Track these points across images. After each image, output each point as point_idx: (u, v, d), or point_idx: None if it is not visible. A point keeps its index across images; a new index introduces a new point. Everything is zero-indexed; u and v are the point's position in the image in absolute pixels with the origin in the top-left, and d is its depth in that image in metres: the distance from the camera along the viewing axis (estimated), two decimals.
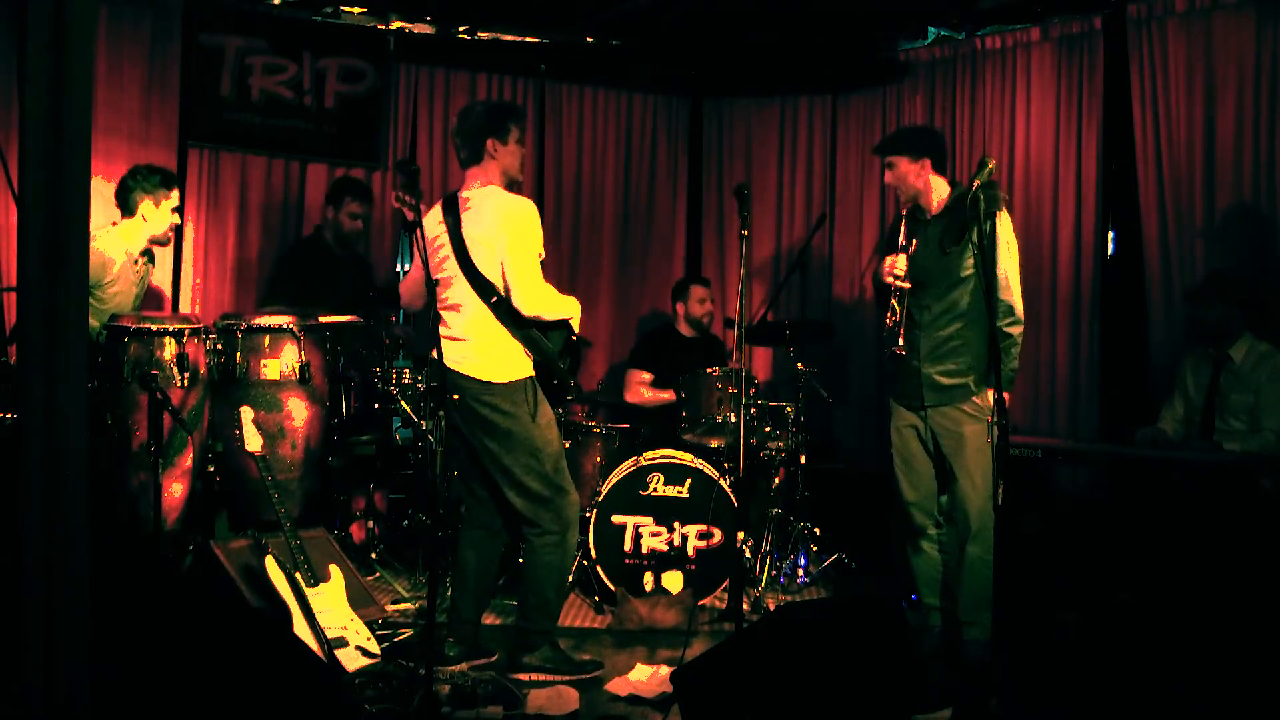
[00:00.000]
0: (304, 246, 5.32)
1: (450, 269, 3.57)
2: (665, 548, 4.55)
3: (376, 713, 3.13)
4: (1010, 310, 3.79)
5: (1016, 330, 3.81)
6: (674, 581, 4.49)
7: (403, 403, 4.61)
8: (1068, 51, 5.30)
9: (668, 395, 5.19)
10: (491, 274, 3.52)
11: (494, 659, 3.70)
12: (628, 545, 4.53)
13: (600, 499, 4.54)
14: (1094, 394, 5.23)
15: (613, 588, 4.47)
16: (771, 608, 4.41)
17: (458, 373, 3.53)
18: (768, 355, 6.41)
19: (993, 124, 5.58)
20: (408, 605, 4.34)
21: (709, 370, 4.71)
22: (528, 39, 5.97)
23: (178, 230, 4.57)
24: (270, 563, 3.56)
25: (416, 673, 3.35)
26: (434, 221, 3.63)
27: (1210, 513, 3.68)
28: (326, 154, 5.74)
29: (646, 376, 5.44)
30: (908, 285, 3.84)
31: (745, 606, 4.13)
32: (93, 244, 3.92)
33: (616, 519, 4.54)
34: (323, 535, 4.16)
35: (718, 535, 4.56)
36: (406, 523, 5.09)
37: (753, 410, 4.68)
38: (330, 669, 3.34)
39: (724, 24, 5.72)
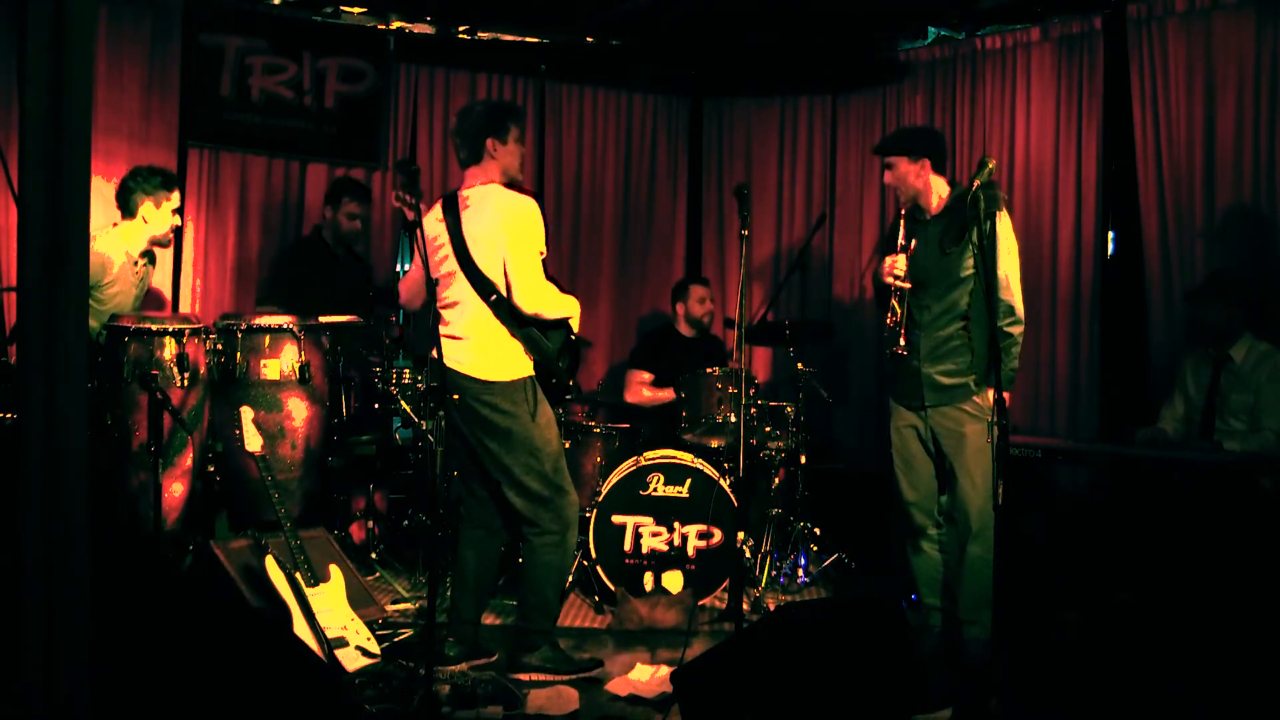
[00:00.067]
0: (301, 247, 5.32)
1: (450, 267, 3.57)
2: (665, 548, 4.55)
3: (376, 713, 3.13)
4: (1011, 310, 3.79)
5: (1017, 330, 3.81)
6: (674, 581, 4.49)
7: (403, 403, 4.62)
8: (1068, 51, 5.30)
9: (667, 394, 5.19)
10: (491, 272, 3.52)
11: (494, 659, 3.70)
12: (628, 545, 4.53)
13: (600, 499, 4.54)
14: (1094, 394, 5.23)
15: (613, 588, 4.47)
16: (771, 608, 4.41)
17: (457, 372, 3.53)
18: (768, 355, 6.41)
19: (993, 124, 5.58)
20: (408, 605, 4.34)
21: (709, 370, 4.71)
22: (528, 39, 5.97)
23: (178, 231, 4.56)
24: (270, 563, 3.56)
25: (416, 673, 3.35)
26: (434, 220, 3.63)
27: (1210, 513, 3.68)
28: (326, 154, 5.74)
29: (647, 377, 5.44)
30: (908, 285, 3.84)
31: (745, 606, 4.13)
32: (92, 245, 3.92)
33: (616, 519, 4.54)
34: (323, 535, 4.16)
35: (718, 535, 4.56)
36: (406, 523, 5.09)
37: (753, 410, 4.68)
38: (330, 669, 3.34)
39: (724, 24, 5.72)
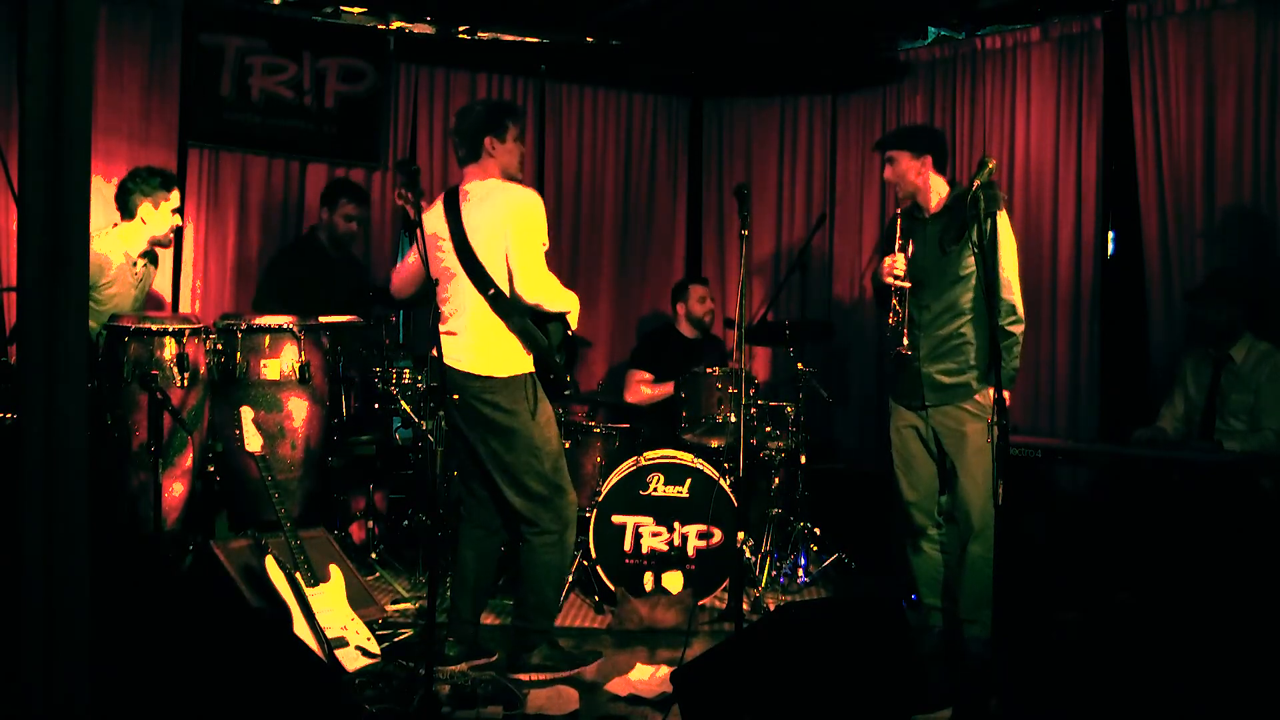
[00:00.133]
0: (298, 248, 5.30)
1: (450, 263, 3.57)
2: (665, 548, 4.55)
3: (376, 713, 3.13)
4: (1012, 309, 3.79)
5: (1018, 329, 3.81)
6: (674, 581, 4.49)
7: (403, 403, 4.61)
8: (1068, 51, 5.30)
9: (667, 389, 5.19)
10: (490, 264, 3.52)
11: (494, 659, 3.70)
12: (628, 545, 4.53)
13: (600, 499, 4.54)
14: (1094, 394, 5.23)
15: (613, 588, 4.47)
16: (771, 608, 4.41)
17: (457, 370, 3.53)
18: (768, 355, 6.41)
19: (993, 124, 5.58)
20: (408, 605, 4.34)
21: (709, 370, 4.71)
22: (528, 39, 5.97)
23: (179, 231, 4.56)
24: (270, 563, 3.56)
25: (416, 673, 3.35)
26: (435, 216, 3.63)
27: (1210, 513, 3.68)
28: (326, 154, 5.74)
29: (647, 377, 5.44)
30: (908, 285, 3.84)
31: (745, 606, 4.13)
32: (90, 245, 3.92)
33: (616, 519, 4.54)
34: (323, 535, 4.16)
35: (718, 535, 4.56)
36: (406, 523, 5.09)
37: (753, 410, 4.68)
38: (330, 669, 3.34)
39: (724, 24, 5.72)
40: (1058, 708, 3.18)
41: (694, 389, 4.71)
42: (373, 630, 3.68)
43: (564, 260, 6.24)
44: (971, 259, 3.78)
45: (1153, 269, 4.99)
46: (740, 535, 3.99)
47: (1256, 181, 4.68)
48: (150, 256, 4.40)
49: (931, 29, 5.74)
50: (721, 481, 4.56)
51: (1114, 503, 4.21)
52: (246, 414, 3.89)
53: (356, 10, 5.61)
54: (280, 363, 4.20)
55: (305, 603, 3.53)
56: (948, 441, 3.85)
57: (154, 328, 3.93)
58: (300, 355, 4.22)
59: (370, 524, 4.95)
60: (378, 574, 4.71)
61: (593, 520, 4.50)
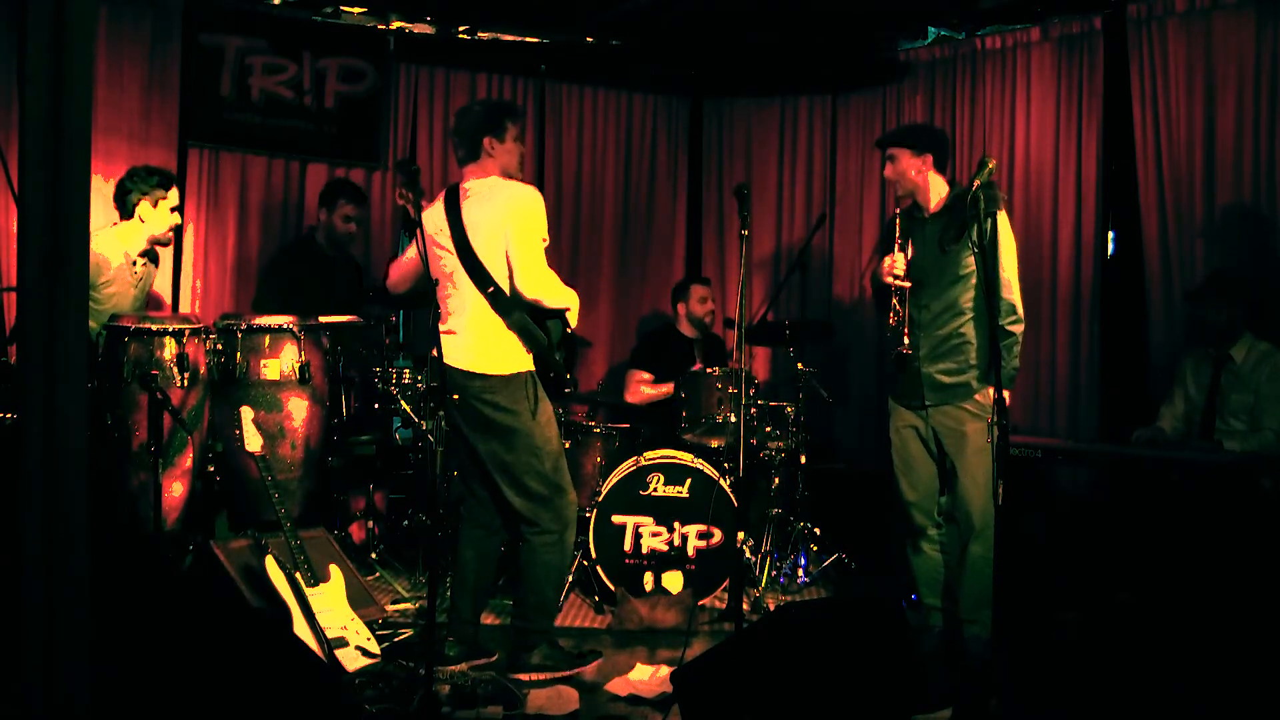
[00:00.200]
0: (295, 249, 5.29)
1: (449, 262, 3.57)
2: (665, 548, 4.55)
3: (376, 713, 3.13)
4: (1012, 309, 3.79)
5: (1018, 329, 3.81)
6: (674, 581, 4.49)
7: (403, 403, 4.62)
8: (1068, 51, 5.30)
9: (668, 388, 5.19)
10: (490, 261, 3.52)
11: (494, 659, 3.70)
12: (628, 545, 4.53)
13: (600, 499, 4.54)
14: (1094, 394, 5.23)
15: (613, 588, 4.47)
16: (771, 608, 4.41)
17: (457, 369, 3.53)
18: (768, 355, 6.41)
19: (993, 124, 5.58)
20: (408, 605, 4.34)
21: (709, 370, 4.71)
22: (528, 39, 5.97)
23: (178, 230, 4.56)
24: (270, 563, 3.56)
25: (416, 673, 3.35)
26: (435, 213, 3.63)
27: (1210, 513, 3.68)
28: (326, 154, 5.74)
29: (647, 377, 5.44)
30: (907, 284, 3.84)
31: (745, 606, 4.13)
32: None
33: (616, 519, 4.54)
34: (323, 535, 4.16)
35: (718, 535, 4.56)
36: (406, 523, 5.09)
37: (753, 410, 4.68)
38: (330, 669, 3.34)
39: (724, 24, 5.72)
40: (1058, 708, 3.18)
41: (694, 389, 4.71)
42: (373, 630, 3.68)
43: (564, 260, 6.24)
44: (971, 259, 3.78)
45: (1153, 269, 4.99)
46: (740, 535, 3.99)
47: (1256, 181, 4.68)
48: (150, 255, 4.40)
49: (931, 29, 5.74)
50: (721, 481, 4.56)
51: (1114, 503, 4.21)
52: (246, 414, 3.89)
53: (356, 10, 5.61)
54: (280, 363, 4.20)
55: (305, 603, 3.53)
56: (948, 441, 3.85)
57: (154, 328, 3.93)
58: (300, 355, 4.22)
59: (370, 524, 4.95)
60: (378, 574, 4.71)
61: (593, 520, 4.50)
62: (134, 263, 4.29)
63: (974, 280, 3.80)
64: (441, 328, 3.55)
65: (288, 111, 5.61)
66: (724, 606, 4.48)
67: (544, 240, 3.57)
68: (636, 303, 6.52)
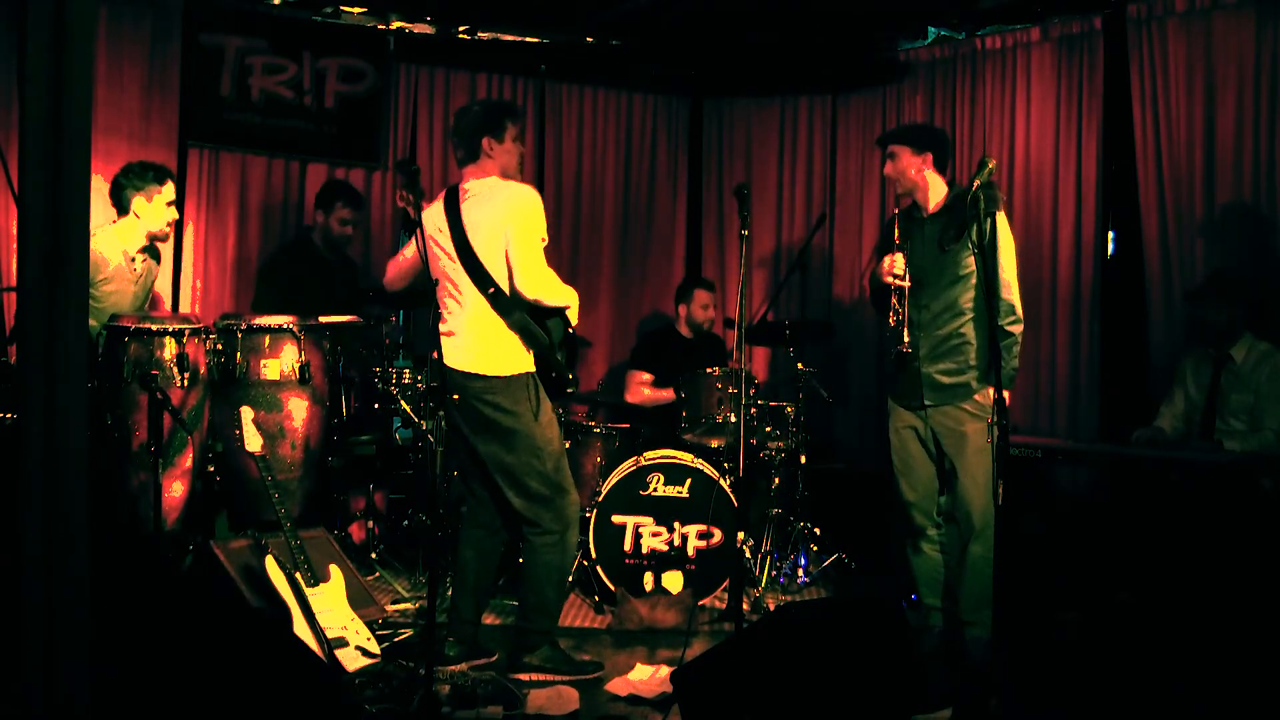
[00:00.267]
0: (293, 248, 5.29)
1: (449, 264, 3.57)
2: (665, 548, 4.55)
3: (376, 713, 3.13)
4: (1011, 309, 3.79)
5: (1017, 329, 3.81)
6: (674, 581, 4.49)
7: (403, 403, 4.62)
8: (1068, 51, 5.30)
9: (668, 394, 5.19)
10: (490, 261, 3.52)
11: (494, 659, 3.70)
12: (628, 545, 4.53)
13: (600, 499, 4.54)
14: (1094, 394, 5.23)
15: (613, 588, 4.47)
16: (771, 608, 4.41)
17: (457, 370, 3.53)
18: (768, 355, 6.41)
19: (993, 124, 5.58)
20: (408, 605, 4.34)
21: (709, 370, 4.71)
22: (528, 39, 5.97)
23: (178, 228, 4.55)
24: (270, 563, 3.56)
25: (416, 673, 3.35)
26: (435, 213, 3.63)
27: (1210, 513, 3.68)
28: (326, 154, 5.74)
29: (647, 377, 5.44)
30: (907, 284, 3.84)
31: (745, 606, 4.13)
32: None
33: (616, 519, 4.54)
34: (323, 535, 4.16)
35: (718, 535, 4.56)
36: (406, 523, 5.09)
37: (753, 410, 4.68)
38: (330, 669, 3.34)
39: (724, 24, 5.72)
40: (1058, 708, 3.18)
41: (694, 389, 4.71)
42: (373, 630, 3.68)
43: (564, 260, 6.24)
44: (970, 259, 3.78)
45: (1153, 269, 4.99)
46: (740, 535, 3.99)
47: (1256, 181, 4.68)
48: (151, 252, 4.37)
49: (931, 29, 5.74)
50: (721, 481, 4.56)
51: (1114, 503, 4.21)
52: (246, 414, 3.89)
53: (356, 10, 5.61)
54: (280, 363, 4.20)
55: (305, 603, 3.53)
56: (947, 442, 3.85)
57: (154, 328, 3.93)
58: (300, 355, 4.22)
59: (370, 524, 4.95)
60: (378, 574, 4.71)
61: (593, 520, 4.50)
62: (133, 260, 4.28)
63: (973, 280, 3.80)
64: (441, 328, 3.55)
65: (288, 111, 5.61)
66: (724, 606, 4.48)
67: (543, 240, 3.57)
68: (636, 303, 6.52)
